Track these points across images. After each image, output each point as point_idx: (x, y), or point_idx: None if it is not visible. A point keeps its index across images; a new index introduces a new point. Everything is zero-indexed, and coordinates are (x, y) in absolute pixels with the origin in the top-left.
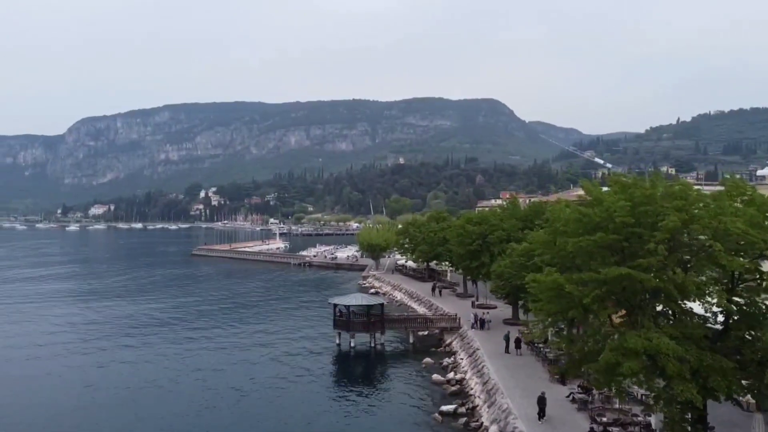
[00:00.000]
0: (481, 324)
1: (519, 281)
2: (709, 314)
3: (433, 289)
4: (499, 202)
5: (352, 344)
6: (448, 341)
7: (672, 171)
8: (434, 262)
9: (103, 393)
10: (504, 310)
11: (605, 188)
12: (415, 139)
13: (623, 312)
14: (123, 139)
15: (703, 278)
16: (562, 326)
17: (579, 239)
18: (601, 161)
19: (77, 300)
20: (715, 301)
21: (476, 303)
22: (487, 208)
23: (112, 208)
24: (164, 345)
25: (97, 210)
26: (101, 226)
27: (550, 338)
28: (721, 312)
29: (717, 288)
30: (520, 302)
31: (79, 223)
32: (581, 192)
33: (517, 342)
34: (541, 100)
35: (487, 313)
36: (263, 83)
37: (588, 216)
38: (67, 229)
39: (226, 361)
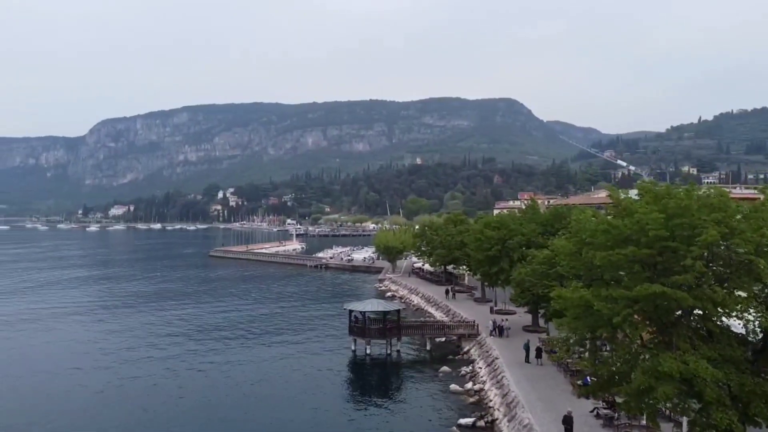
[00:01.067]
0: (500, 331)
1: (541, 290)
2: (749, 335)
3: (447, 292)
4: (517, 203)
5: (368, 351)
6: (466, 348)
7: (694, 171)
8: (451, 266)
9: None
10: (523, 316)
11: (632, 192)
12: (432, 139)
13: (653, 330)
14: (142, 140)
15: (743, 294)
16: (588, 343)
17: (608, 253)
18: (624, 163)
19: (88, 309)
20: (756, 319)
21: (495, 309)
22: (505, 210)
23: (132, 208)
24: (174, 351)
25: (116, 210)
26: (121, 226)
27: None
28: (761, 331)
29: (758, 305)
30: (541, 311)
31: (99, 223)
32: (603, 194)
33: (538, 351)
34: (559, 99)
35: (506, 319)
36: (281, 84)
37: (617, 228)
38: (87, 229)
39: (236, 364)
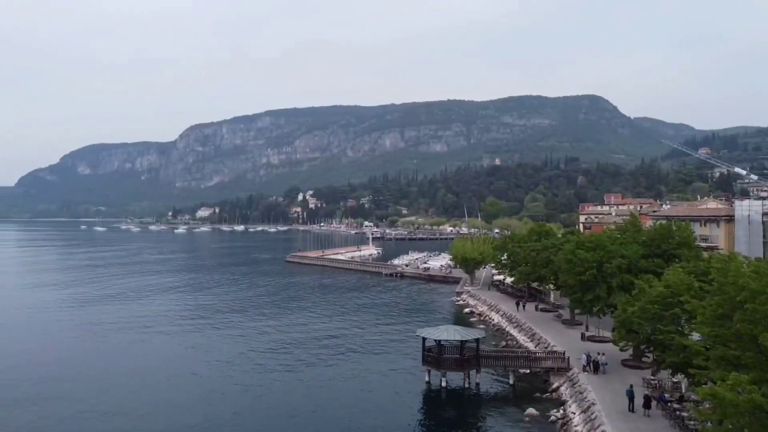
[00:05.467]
0: (595, 367)
1: (655, 335)
2: None
3: (518, 305)
4: (605, 208)
5: (444, 384)
6: (555, 385)
7: None
8: (536, 282)
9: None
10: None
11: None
12: (512, 139)
13: None
14: (228, 144)
15: None
16: None
17: None
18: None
19: (154, 322)
20: None
21: (586, 335)
22: (593, 216)
23: (217, 210)
24: (242, 368)
25: (203, 212)
26: (206, 228)
27: (685, 393)
28: None
29: None
30: (650, 354)
31: (187, 225)
32: (712, 204)
33: (646, 400)
34: (647, 94)
35: (603, 354)
36: (360, 87)
37: None
38: (175, 231)
39: (306, 383)
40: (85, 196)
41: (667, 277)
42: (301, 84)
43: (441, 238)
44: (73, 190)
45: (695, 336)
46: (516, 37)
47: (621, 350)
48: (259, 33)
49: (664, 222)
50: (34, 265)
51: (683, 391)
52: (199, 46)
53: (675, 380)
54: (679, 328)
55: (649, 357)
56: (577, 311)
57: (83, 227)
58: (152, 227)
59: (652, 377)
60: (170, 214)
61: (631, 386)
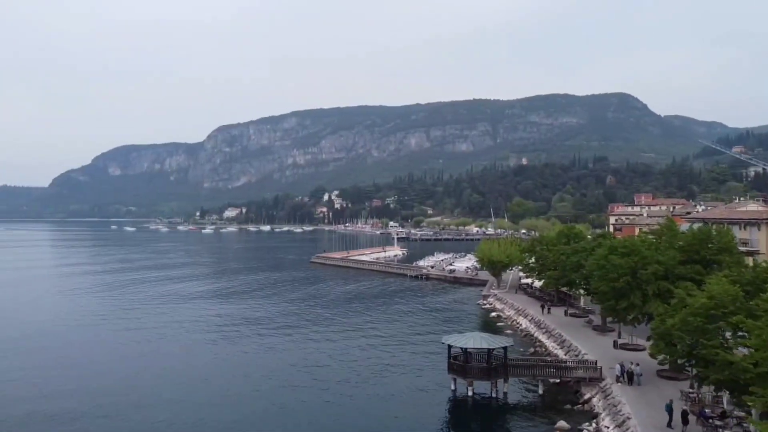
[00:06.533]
0: (629, 377)
1: (697, 350)
2: None
3: (543, 308)
4: (636, 209)
5: (470, 393)
6: (586, 396)
7: None
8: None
9: None
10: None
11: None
12: (539, 138)
13: None
14: (255, 145)
15: None
16: None
17: None
18: (764, 163)
19: (174, 330)
20: None
21: (619, 342)
22: (624, 218)
23: (244, 210)
24: (261, 385)
25: (230, 213)
26: (233, 228)
27: (727, 408)
28: None
29: None
30: (691, 369)
31: (214, 225)
32: (753, 206)
33: (684, 415)
34: (678, 91)
35: (637, 364)
36: (384, 87)
37: None
38: (203, 231)
39: (323, 402)
40: (115, 197)
41: (709, 287)
42: (327, 85)
43: (467, 239)
44: (104, 191)
45: (741, 350)
46: (543, 36)
47: (659, 364)
48: (287, 36)
49: (701, 225)
50: (69, 267)
51: (725, 405)
52: (227, 54)
53: (716, 394)
54: (724, 343)
55: (689, 370)
56: (609, 318)
57: (113, 227)
58: (180, 227)
59: (690, 390)
60: (198, 214)
61: (671, 401)
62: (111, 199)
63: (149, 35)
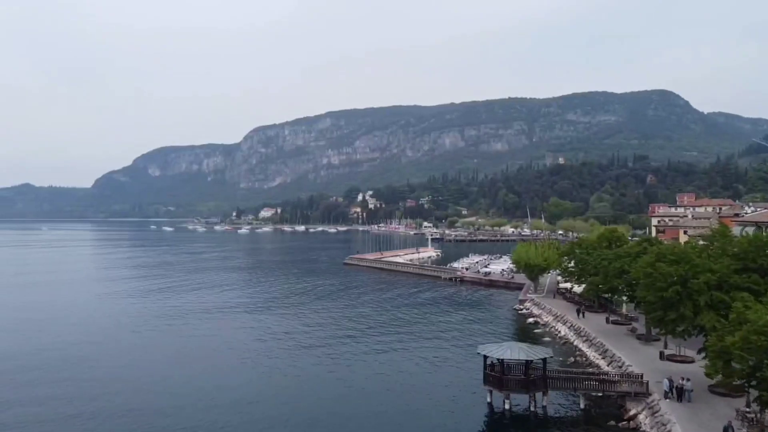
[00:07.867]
0: (678, 393)
1: (762, 372)
2: None
3: (578, 312)
4: (679, 210)
5: (507, 406)
6: (632, 412)
7: None
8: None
9: None
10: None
11: None
12: (576, 137)
13: None
14: (290, 146)
15: None
16: None
17: None
18: None
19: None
20: None
21: (665, 353)
22: (666, 219)
23: (279, 211)
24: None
25: (265, 213)
26: (268, 228)
27: None
28: None
29: None
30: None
31: (250, 225)
32: None
33: None
34: (721, 88)
35: (688, 379)
36: (419, 86)
37: None
38: (239, 231)
39: (352, 413)
40: (155, 197)
41: None
42: (361, 86)
43: (502, 240)
44: (144, 191)
45: None
46: (579, 33)
47: (720, 385)
48: (323, 40)
49: (755, 231)
50: (110, 268)
51: None
52: (262, 58)
53: None
54: None
55: (747, 389)
56: (656, 329)
57: (153, 227)
58: (217, 227)
59: (747, 409)
60: (234, 214)
61: (729, 423)
62: (151, 199)
63: (188, 42)
